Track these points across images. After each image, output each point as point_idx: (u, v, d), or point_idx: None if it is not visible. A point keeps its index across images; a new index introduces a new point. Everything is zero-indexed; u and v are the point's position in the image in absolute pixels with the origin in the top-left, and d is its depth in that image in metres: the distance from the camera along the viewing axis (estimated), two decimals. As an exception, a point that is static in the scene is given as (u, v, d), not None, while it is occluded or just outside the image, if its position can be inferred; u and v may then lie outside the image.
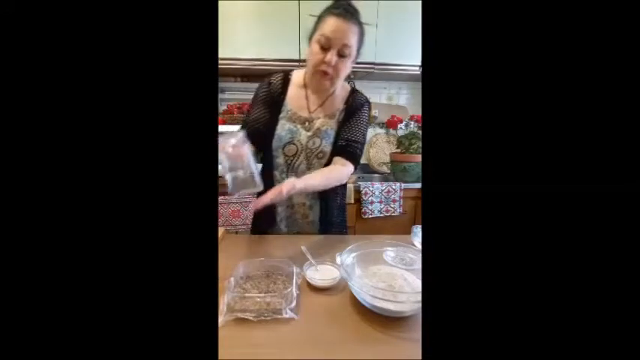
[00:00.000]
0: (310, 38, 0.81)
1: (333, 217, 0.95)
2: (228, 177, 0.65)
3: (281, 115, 0.87)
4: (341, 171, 0.85)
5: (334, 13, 0.75)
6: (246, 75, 1.90)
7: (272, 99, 0.88)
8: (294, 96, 0.89)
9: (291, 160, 0.87)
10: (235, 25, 1.64)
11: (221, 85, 1.91)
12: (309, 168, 0.88)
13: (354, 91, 0.92)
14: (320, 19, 0.79)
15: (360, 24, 0.79)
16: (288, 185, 0.69)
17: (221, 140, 0.64)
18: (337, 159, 0.87)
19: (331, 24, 0.75)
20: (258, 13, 1.65)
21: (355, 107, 0.89)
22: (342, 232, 0.98)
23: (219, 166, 0.62)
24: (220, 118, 1.67)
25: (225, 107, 1.74)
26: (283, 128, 0.86)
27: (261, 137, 0.87)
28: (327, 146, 0.87)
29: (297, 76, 0.91)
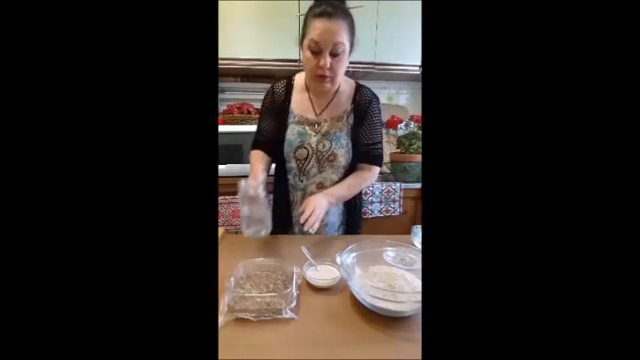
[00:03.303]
0: (301, 43, 0.80)
1: (348, 218, 0.95)
2: (242, 216, 0.70)
3: (289, 121, 0.88)
4: (365, 178, 0.88)
5: (317, 15, 0.73)
6: (246, 75, 1.90)
7: (277, 107, 0.89)
8: (299, 100, 0.89)
9: (303, 164, 0.88)
10: (235, 25, 1.64)
11: (221, 85, 1.91)
12: (321, 171, 0.88)
13: (359, 87, 0.90)
14: (305, 23, 0.77)
15: (345, 16, 0.75)
16: (320, 206, 0.73)
17: (242, 182, 0.69)
18: (362, 165, 0.89)
19: (317, 27, 0.73)
20: (258, 13, 1.65)
21: (364, 105, 0.88)
22: (355, 233, 0.98)
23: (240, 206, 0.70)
24: (220, 118, 1.67)
25: (225, 107, 1.74)
26: (292, 132, 0.86)
27: (273, 146, 0.89)
28: (337, 149, 0.86)
29: (299, 79, 0.91)
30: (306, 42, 0.76)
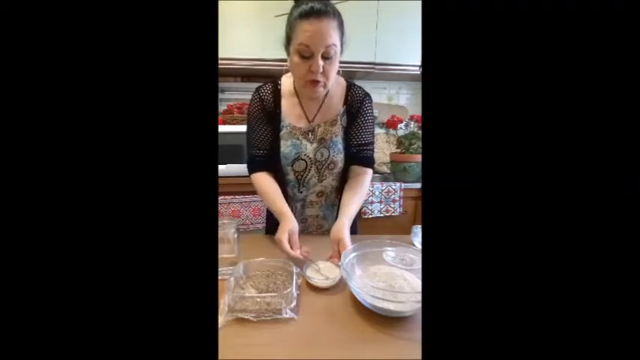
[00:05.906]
0: (287, 48, 0.73)
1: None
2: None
3: (282, 133, 0.82)
4: (365, 183, 0.84)
5: (304, 15, 0.66)
6: (246, 75, 1.90)
7: (268, 115, 0.82)
8: (289, 107, 0.83)
9: (302, 176, 0.85)
10: (235, 25, 1.64)
11: (221, 85, 1.91)
12: (321, 180, 0.85)
13: (350, 86, 0.85)
14: (291, 26, 0.70)
15: (335, 14, 0.68)
16: (347, 239, 0.69)
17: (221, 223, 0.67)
18: (354, 168, 0.85)
19: (306, 30, 0.66)
20: (258, 13, 1.65)
21: (356, 105, 0.84)
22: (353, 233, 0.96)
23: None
24: (220, 118, 1.67)
25: (225, 107, 1.74)
26: (286, 145, 0.81)
27: (271, 161, 0.84)
28: (335, 155, 0.82)
29: (287, 84, 0.84)
30: (294, 47, 0.69)
